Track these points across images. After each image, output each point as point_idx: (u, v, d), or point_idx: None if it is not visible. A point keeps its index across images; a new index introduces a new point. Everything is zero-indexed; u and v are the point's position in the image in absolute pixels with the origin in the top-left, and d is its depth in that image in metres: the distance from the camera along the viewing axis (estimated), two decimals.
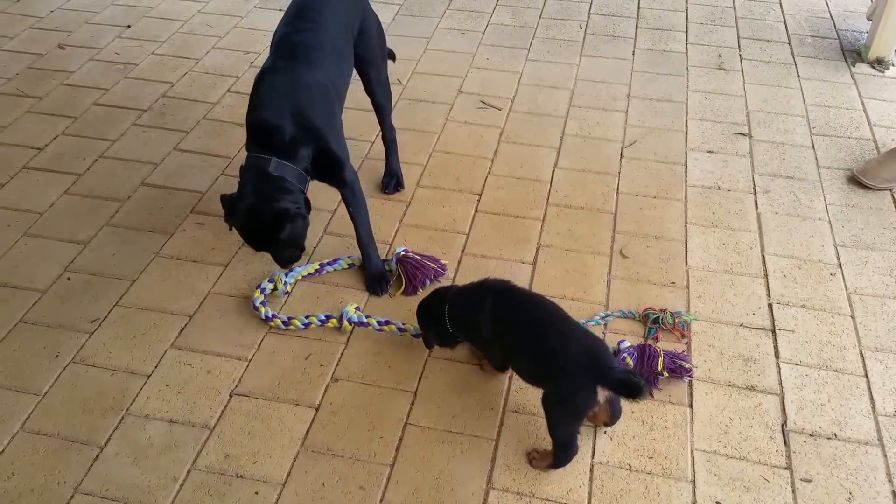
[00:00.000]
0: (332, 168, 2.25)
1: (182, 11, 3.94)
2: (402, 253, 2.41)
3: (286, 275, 2.35)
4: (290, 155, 2.12)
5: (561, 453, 1.89)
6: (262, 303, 2.27)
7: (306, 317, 2.24)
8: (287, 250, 2.18)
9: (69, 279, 2.41)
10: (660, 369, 2.10)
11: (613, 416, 1.96)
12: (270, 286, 2.32)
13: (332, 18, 2.34)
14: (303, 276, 2.39)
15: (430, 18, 3.93)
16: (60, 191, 2.77)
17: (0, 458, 1.91)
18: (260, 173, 2.09)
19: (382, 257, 2.44)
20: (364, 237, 2.37)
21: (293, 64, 2.19)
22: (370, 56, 2.55)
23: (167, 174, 2.85)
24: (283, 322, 2.22)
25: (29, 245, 2.54)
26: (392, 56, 2.82)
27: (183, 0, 4.05)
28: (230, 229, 2.20)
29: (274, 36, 2.35)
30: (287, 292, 2.36)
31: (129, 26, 3.82)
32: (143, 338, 2.22)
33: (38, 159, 2.93)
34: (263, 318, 2.24)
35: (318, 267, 2.41)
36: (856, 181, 2.85)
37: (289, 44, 2.24)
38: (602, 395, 1.78)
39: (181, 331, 2.24)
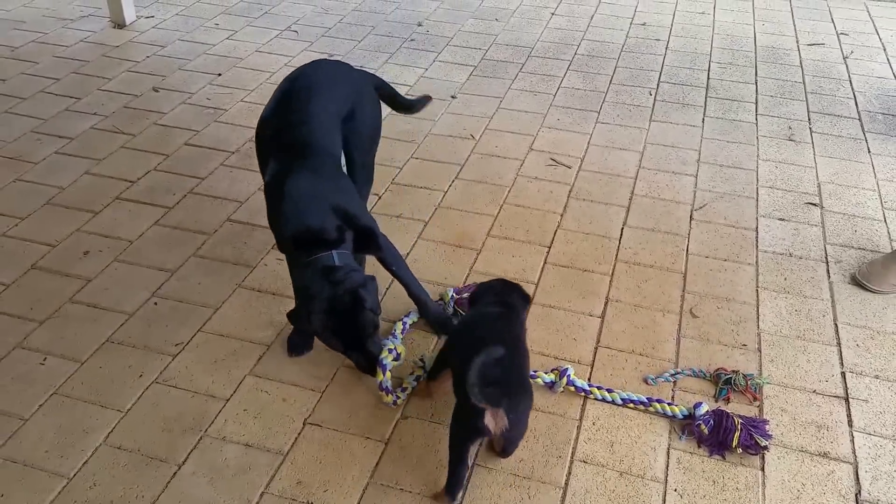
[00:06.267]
0: (367, 241, 2.24)
1: (270, 64, 4.18)
2: (456, 295, 2.46)
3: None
4: (342, 243, 2.12)
5: (449, 472, 1.88)
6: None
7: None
8: (370, 329, 2.08)
9: (156, 304, 2.52)
10: (734, 445, 2.06)
11: (506, 442, 1.95)
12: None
13: (322, 107, 2.31)
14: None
15: (502, 80, 4.08)
16: (151, 221, 2.92)
17: (83, 469, 1.98)
18: (326, 269, 2.05)
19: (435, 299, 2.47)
20: (415, 289, 2.35)
21: (306, 162, 2.16)
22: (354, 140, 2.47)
23: (251, 212, 2.98)
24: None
25: (119, 270, 2.67)
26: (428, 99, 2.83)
27: (271, 54, 4.30)
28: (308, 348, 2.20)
29: (265, 126, 2.31)
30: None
31: (219, 74, 4.06)
32: (223, 363, 2.30)
33: (131, 191, 3.10)
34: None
35: (401, 327, 2.38)
36: (858, 283, 2.69)
37: (290, 143, 2.21)
38: (495, 423, 1.78)
39: (259, 359, 2.32)
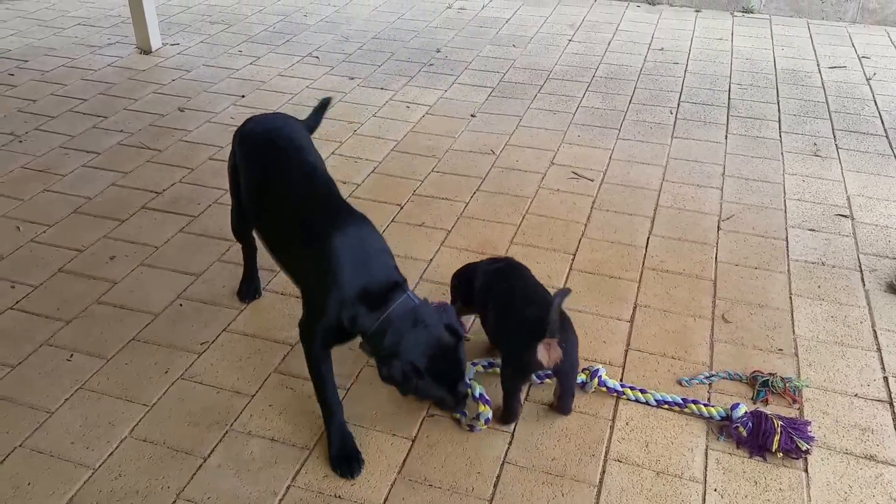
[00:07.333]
0: None
1: (292, 87, 4.23)
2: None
3: None
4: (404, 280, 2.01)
5: (504, 407, 2.07)
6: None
7: None
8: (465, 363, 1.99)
9: (181, 305, 2.50)
10: (774, 449, 1.99)
11: (562, 398, 2.10)
12: None
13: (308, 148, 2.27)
14: None
15: (521, 100, 4.10)
16: (176, 229, 2.92)
17: (108, 461, 1.94)
18: (415, 313, 1.89)
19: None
20: None
21: (350, 216, 2.02)
22: None
23: None
24: None
25: (145, 274, 2.66)
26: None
27: (293, 78, 4.36)
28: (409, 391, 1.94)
29: (281, 182, 2.19)
30: None
31: (243, 96, 4.11)
32: (247, 361, 2.27)
33: (157, 201, 3.11)
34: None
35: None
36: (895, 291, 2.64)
37: (325, 196, 2.11)
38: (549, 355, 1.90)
39: (283, 358, 2.28)
